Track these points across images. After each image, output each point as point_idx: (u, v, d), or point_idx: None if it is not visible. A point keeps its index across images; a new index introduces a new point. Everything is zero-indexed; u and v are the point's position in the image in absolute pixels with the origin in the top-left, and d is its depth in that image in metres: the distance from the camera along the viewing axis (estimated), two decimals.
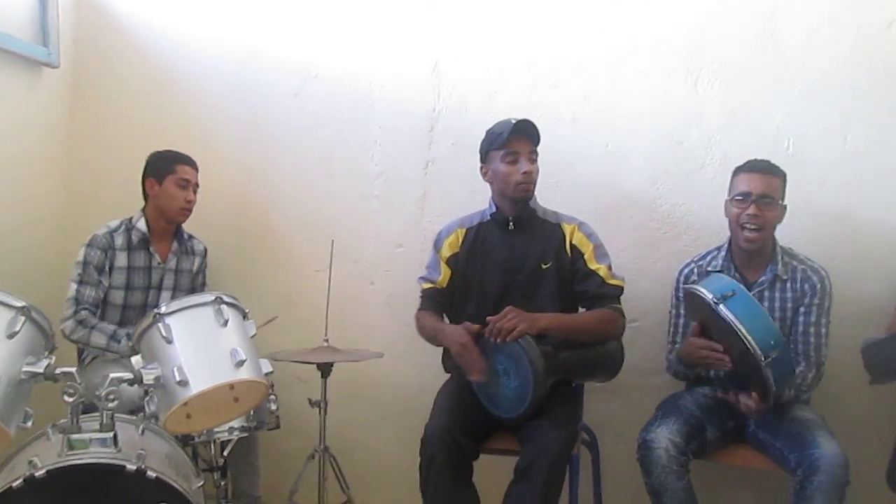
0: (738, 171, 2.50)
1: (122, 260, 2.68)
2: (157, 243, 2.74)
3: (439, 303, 2.60)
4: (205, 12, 3.11)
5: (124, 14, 3.15)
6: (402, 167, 3.04)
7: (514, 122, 2.44)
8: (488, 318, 2.30)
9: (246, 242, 3.11)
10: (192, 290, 2.82)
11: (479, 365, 2.31)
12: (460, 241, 2.60)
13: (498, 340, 2.25)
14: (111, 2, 3.16)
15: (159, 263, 2.74)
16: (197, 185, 2.76)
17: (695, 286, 2.30)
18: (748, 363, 2.16)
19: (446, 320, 2.59)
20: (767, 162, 2.48)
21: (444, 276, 2.59)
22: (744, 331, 2.12)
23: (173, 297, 2.72)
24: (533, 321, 2.28)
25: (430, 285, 2.60)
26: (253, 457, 2.70)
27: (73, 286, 2.62)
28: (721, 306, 2.16)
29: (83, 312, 2.60)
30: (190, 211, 2.75)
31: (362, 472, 2.92)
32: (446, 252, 2.60)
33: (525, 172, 2.46)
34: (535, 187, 2.51)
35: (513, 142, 2.45)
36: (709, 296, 2.20)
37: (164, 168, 2.70)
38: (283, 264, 3.11)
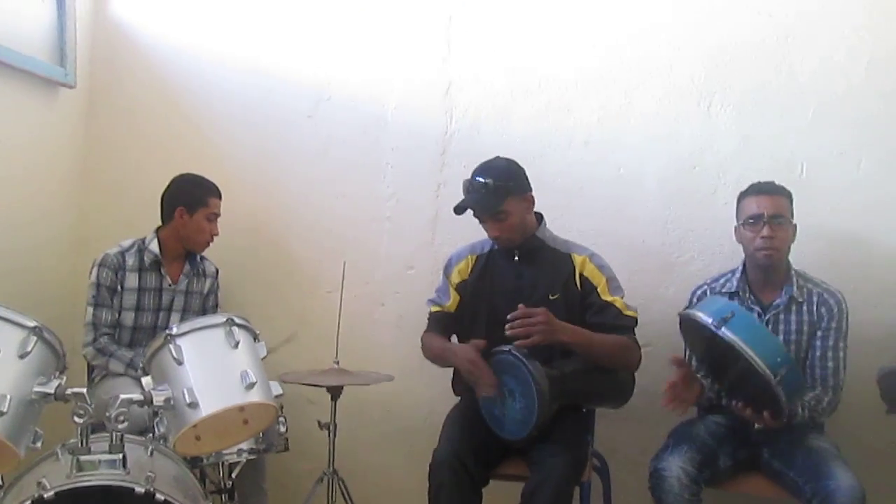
0: (745, 195, 2.49)
1: (132, 281, 2.68)
2: (169, 265, 2.75)
3: (446, 326, 2.59)
4: (220, 34, 3.14)
5: (140, 35, 3.19)
6: (414, 189, 3.04)
7: (463, 188, 2.44)
8: (520, 305, 2.27)
9: (258, 263, 3.12)
10: (203, 312, 2.83)
11: (490, 379, 2.30)
12: (470, 268, 2.59)
13: (510, 332, 2.24)
14: (128, 23, 3.19)
15: (170, 285, 2.74)
16: (220, 214, 2.78)
17: (691, 311, 2.28)
18: (757, 384, 2.12)
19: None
20: (772, 183, 2.48)
21: (452, 301, 2.58)
22: (749, 352, 2.08)
23: (183, 319, 2.73)
24: (555, 332, 2.27)
25: (438, 308, 2.60)
26: (261, 479, 2.68)
27: (90, 310, 2.64)
28: (722, 329, 2.12)
29: (102, 340, 2.62)
30: (212, 242, 2.77)
31: (371, 496, 2.90)
32: (456, 278, 2.59)
33: (493, 237, 2.48)
34: (520, 234, 2.48)
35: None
36: (708, 320, 2.16)
37: (198, 200, 2.70)
38: (295, 285, 3.11)
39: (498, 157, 2.50)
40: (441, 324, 2.60)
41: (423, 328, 2.64)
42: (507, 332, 2.25)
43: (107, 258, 2.66)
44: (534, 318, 2.25)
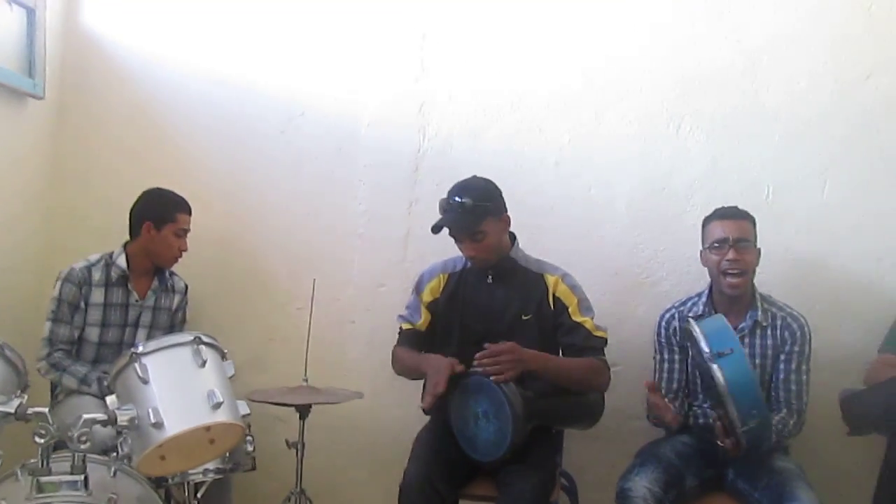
0: (710, 219, 2.53)
1: (98, 296, 2.65)
2: (136, 280, 2.71)
3: (416, 343, 2.59)
4: (192, 47, 3.12)
5: (112, 47, 3.16)
6: (386, 206, 3.05)
7: (440, 207, 2.45)
8: (486, 344, 2.29)
9: (228, 278, 3.09)
10: (171, 328, 2.79)
11: (436, 391, 2.28)
12: (441, 286, 2.60)
13: (480, 370, 2.24)
14: (99, 34, 3.16)
15: (137, 301, 2.71)
16: (189, 230, 2.75)
17: (695, 329, 2.26)
18: (726, 419, 2.16)
19: None
20: (736, 207, 2.52)
21: (423, 319, 2.58)
22: (729, 395, 2.10)
23: (150, 335, 2.69)
24: (525, 362, 2.28)
25: (409, 326, 2.60)
26: (227, 499, 2.63)
27: (48, 325, 2.60)
28: (714, 365, 2.13)
29: (56, 355, 2.58)
30: (180, 258, 2.74)
31: None
32: (427, 296, 2.59)
33: (469, 256, 2.50)
34: (495, 254, 2.49)
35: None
36: (705, 347, 2.17)
37: (165, 215, 2.66)
38: (265, 301, 3.09)
39: (475, 177, 2.51)
40: (412, 341, 2.60)
41: (393, 345, 2.64)
42: (479, 370, 2.26)
43: (72, 273, 2.63)
44: (502, 355, 2.26)
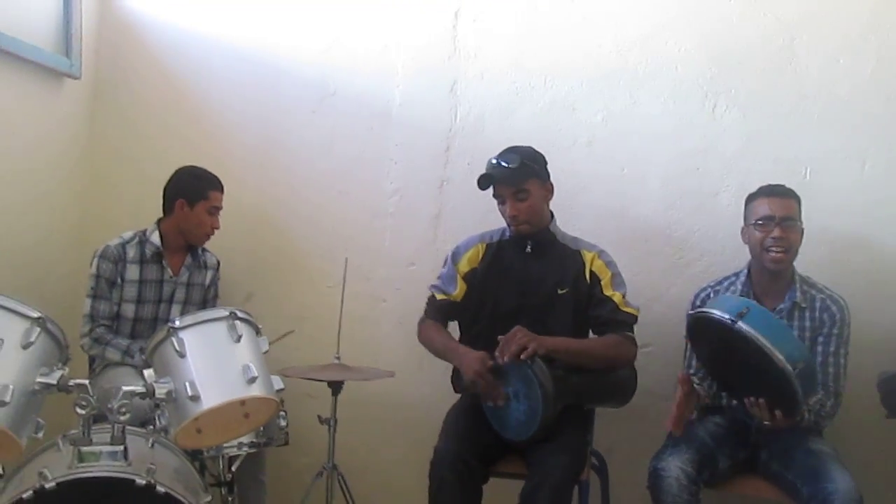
0: (755, 196, 2.50)
1: (133, 273, 2.69)
2: (170, 257, 2.75)
3: (448, 315, 2.58)
4: (226, 26, 3.14)
5: (147, 26, 3.18)
6: (418, 186, 3.04)
7: (487, 167, 2.45)
8: (499, 337, 2.29)
9: (260, 257, 3.12)
10: (204, 304, 2.83)
11: (497, 392, 2.29)
12: (480, 256, 2.59)
13: (506, 359, 2.24)
14: (134, 13, 3.19)
15: (171, 277, 2.74)
16: (222, 207, 2.77)
17: (704, 310, 2.27)
18: (772, 380, 2.12)
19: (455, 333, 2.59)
20: (783, 186, 2.49)
21: (459, 290, 2.56)
22: (768, 345, 2.08)
23: (184, 311, 2.73)
24: (541, 342, 2.26)
25: (443, 297, 2.58)
26: (261, 473, 2.68)
27: (88, 301, 2.65)
28: (739, 324, 2.12)
29: (98, 330, 2.63)
30: (212, 236, 2.76)
31: (370, 491, 2.91)
32: (464, 267, 2.58)
33: (511, 216, 2.47)
34: (537, 220, 2.49)
35: (492, 187, 2.47)
36: (725, 315, 2.16)
37: (199, 192, 2.69)
38: (297, 280, 3.11)
39: (524, 145, 2.53)
40: (442, 312, 2.58)
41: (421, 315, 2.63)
42: (501, 357, 2.25)
43: (108, 250, 2.67)
44: (516, 335, 2.25)
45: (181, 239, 2.75)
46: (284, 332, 2.63)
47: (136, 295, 2.70)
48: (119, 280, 2.67)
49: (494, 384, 2.29)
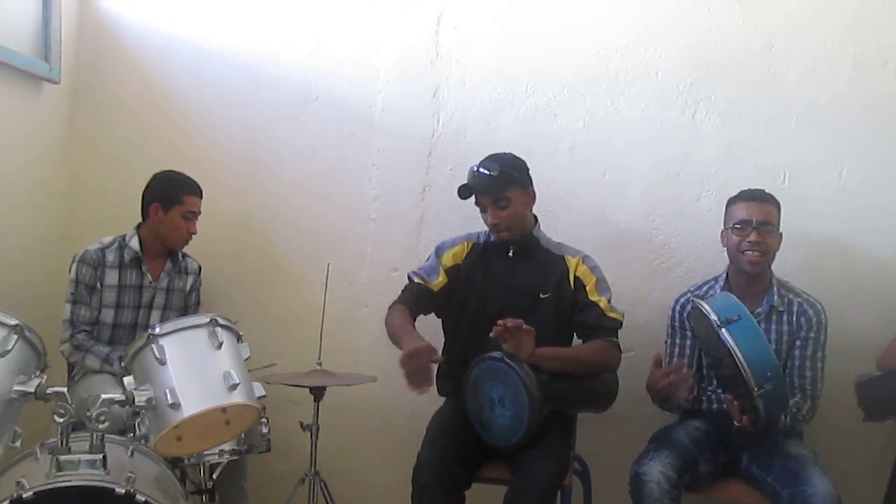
0: (735, 200, 2.52)
1: (112, 278, 2.66)
2: (150, 262, 2.73)
3: (421, 302, 2.54)
4: (208, 31, 3.12)
5: (127, 30, 3.16)
6: (400, 191, 3.05)
7: (468, 176, 2.47)
8: (499, 321, 2.23)
9: (242, 262, 3.11)
10: (185, 309, 2.81)
11: (423, 377, 2.20)
12: (465, 253, 2.59)
13: (505, 348, 2.23)
14: (114, 18, 3.17)
15: (150, 282, 2.72)
16: (199, 212, 2.75)
17: (702, 302, 2.29)
18: (741, 390, 2.15)
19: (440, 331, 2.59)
20: (762, 190, 2.51)
21: (440, 280, 2.55)
22: (742, 358, 2.11)
23: (164, 317, 2.71)
24: (537, 354, 2.27)
25: (420, 281, 2.55)
26: (242, 480, 2.67)
27: (68, 307, 2.62)
28: (723, 330, 2.15)
29: (79, 336, 2.61)
30: (190, 241, 2.74)
31: (353, 498, 2.90)
32: (448, 260, 2.58)
33: (492, 224, 2.48)
34: (518, 227, 2.50)
35: (474, 196, 2.48)
36: (713, 316, 2.19)
37: (172, 197, 2.67)
38: (279, 285, 3.10)
39: (505, 152, 2.54)
40: (416, 296, 2.53)
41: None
42: (496, 335, 2.23)
43: (87, 255, 2.64)
44: (528, 332, 2.24)
45: (160, 244, 2.73)
46: (267, 363, 2.57)
47: (115, 300, 2.68)
48: (98, 285, 2.65)
49: (423, 368, 2.19)
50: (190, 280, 2.83)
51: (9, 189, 2.83)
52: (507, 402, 2.28)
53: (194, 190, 2.72)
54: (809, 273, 2.72)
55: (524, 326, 2.23)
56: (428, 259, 2.63)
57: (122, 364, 2.40)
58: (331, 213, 3.08)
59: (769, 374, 2.11)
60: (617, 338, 2.48)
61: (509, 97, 2.97)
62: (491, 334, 2.24)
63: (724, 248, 2.55)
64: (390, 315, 2.49)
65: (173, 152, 3.05)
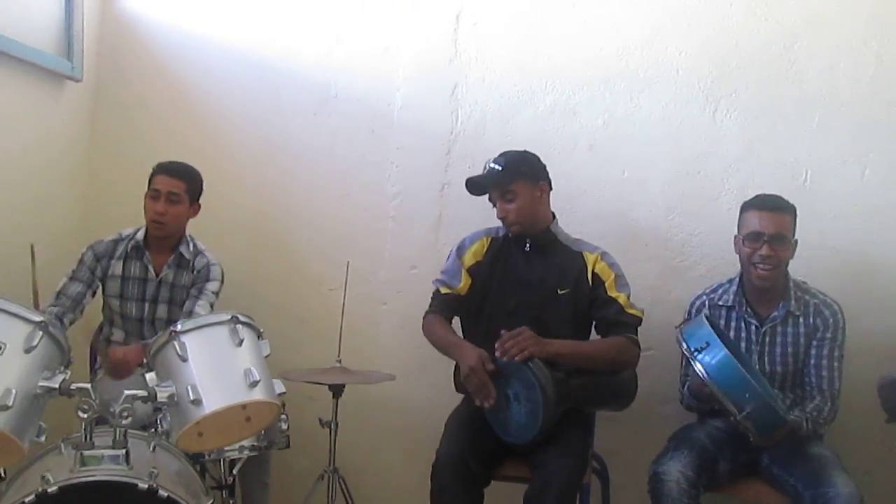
0: (748, 207, 2.47)
1: (117, 269, 2.69)
2: (155, 255, 2.71)
3: (453, 309, 2.57)
4: (228, 29, 3.14)
5: (148, 29, 3.18)
6: (419, 189, 3.05)
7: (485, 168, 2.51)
8: (501, 330, 2.28)
9: (261, 260, 3.12)
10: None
11: (488, 391, 2.27)
12: (485, 249, 2.60)
13: (505, 358, 2.23)
14: (136, 16, 3.19)
15: (154, 276, 2.71)
16: (173, 193, 2.63)
17: (681, 329, 2.31)
18: (729, 415, 2.17)
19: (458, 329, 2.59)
20: (777, 198, 2.44)
21: (464, 283, 2.56)
22: (715, 387, 2.12)
23: (171, 312, 2.70)
24: (544, 346, 2.27)
25: (447, 290, 2.57)
26: (265, 475, 2.67)
27: (64, 279, 2.66)
28: (694, 360, 2.17)
29: (52, 309, 2.57)
30: (161, 224, 2.63)
31: (371, 494, 2.92)
32: (469, 260, 2.58)
33: (500, 217, 2.50)
34: (529, 221, 2.50)
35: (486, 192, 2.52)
36: (684, 346, 2.22)
37: (149, 181, 2.67)
38: (298, 283, 3.11)
39: (519, 149, 2.56)
40: (447, 306, 2.56)
41: (425, 311, 2.61)
42: (500, 355, 2.24)
43: (98, 244, 2.69)
44: (519, 335, 2.25)
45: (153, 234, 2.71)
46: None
47: (118, 291, 2.69)
48: (99, 273, 2.68)
49: (487, 382, 2.26)
50: (193, 278, 2.73)
51: (31, 185, 2.86)
52: (522, 398, 2.28)
53: (162, 168, 2.67)
54: (830, 273, 2.69)
55: (518, 330, 2.26)
56: (448, 258, 2.63)
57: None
58: (349, 210, 3.08)
59: (747, 395, 2.09)
60: (636, 334, 2.47)
61: (528, 95, 2.96)
62: (496, 353, 2.25)
63: (736, 253, 2.51)
64: (432, 327, 2.53)
65: (192, 149, 3.05)
